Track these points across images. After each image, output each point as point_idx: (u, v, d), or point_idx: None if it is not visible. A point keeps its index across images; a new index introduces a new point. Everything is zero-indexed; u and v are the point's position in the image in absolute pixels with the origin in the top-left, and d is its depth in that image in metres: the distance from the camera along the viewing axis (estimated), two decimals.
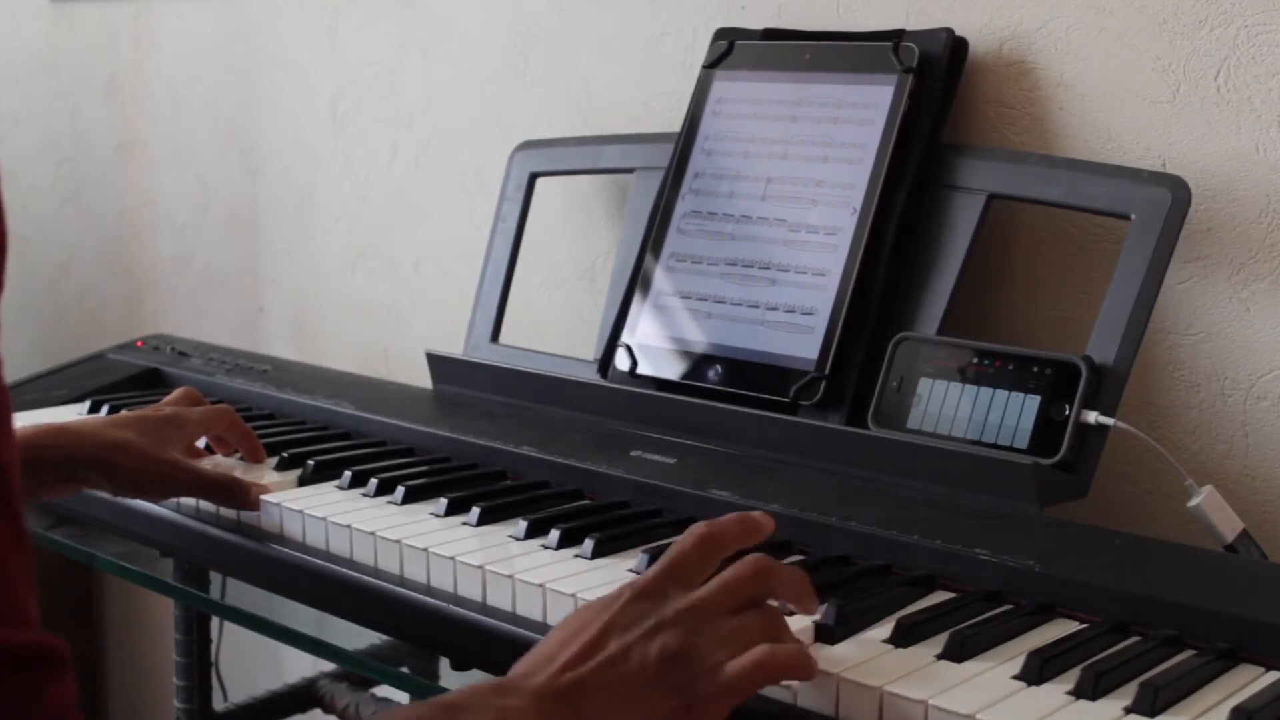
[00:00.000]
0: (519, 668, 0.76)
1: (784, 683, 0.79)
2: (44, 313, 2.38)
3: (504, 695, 0.72)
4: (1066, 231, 1.20)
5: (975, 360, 1.09)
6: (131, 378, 1.57)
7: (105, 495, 1.19)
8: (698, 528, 0.82)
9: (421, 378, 1.43)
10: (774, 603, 0.81)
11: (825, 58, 1.25)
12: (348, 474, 1.16)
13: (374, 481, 1.13)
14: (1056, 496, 1.01)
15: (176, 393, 1.25)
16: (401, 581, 1.01)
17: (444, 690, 1.04)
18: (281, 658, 2.01)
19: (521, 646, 0.90)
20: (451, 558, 0.98)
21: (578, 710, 0.71)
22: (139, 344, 1.69)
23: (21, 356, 2.15)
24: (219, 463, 1.23)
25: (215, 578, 1.36)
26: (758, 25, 1.33)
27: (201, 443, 1.24)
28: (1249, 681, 0.78)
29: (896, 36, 1.21)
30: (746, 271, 1.24)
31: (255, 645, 1.85)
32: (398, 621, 1.02)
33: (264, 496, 1.12)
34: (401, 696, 1.64)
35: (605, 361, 1.32)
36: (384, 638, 1.13)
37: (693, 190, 1.30)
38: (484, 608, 0.96)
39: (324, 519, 1.07)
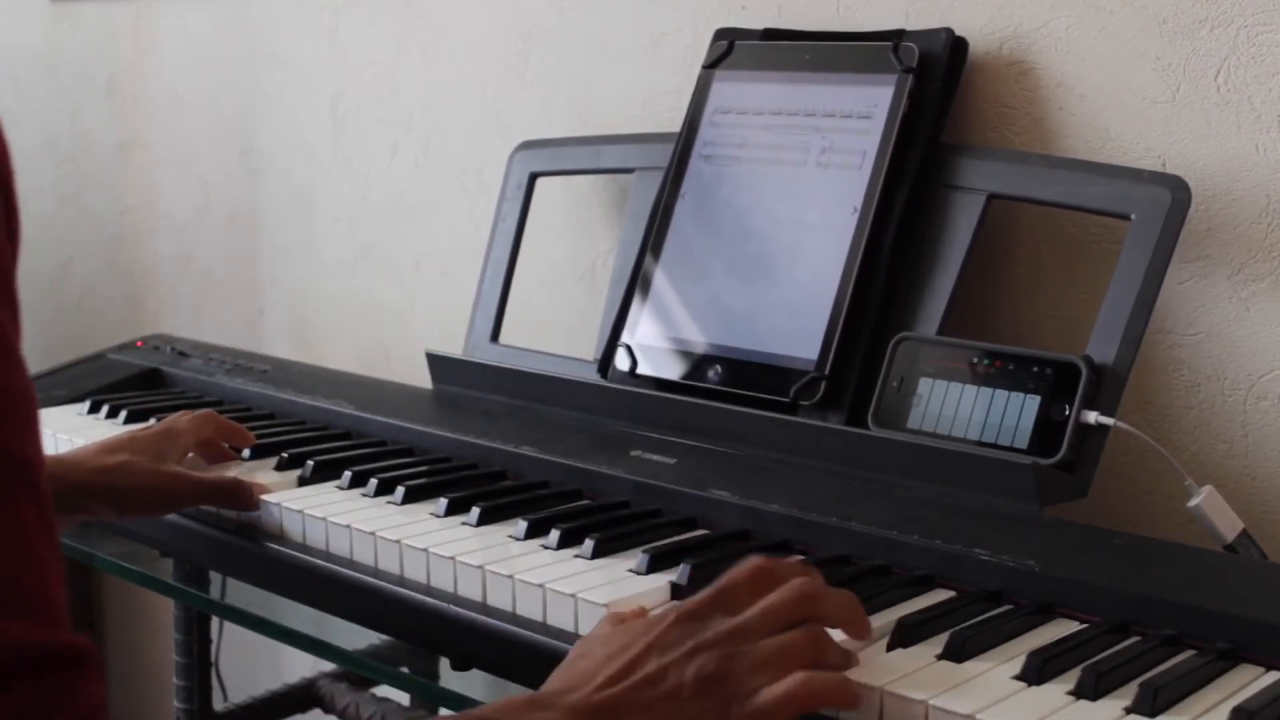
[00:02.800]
0: (554, 682, 0.76)
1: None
2: (44, 313, 2.38)
3: (538, 710, 0.72)
4: (1066, 231, 1.20)
5: (975, 360, 1.09)
6: (131, 378, 1.57)
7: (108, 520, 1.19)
8: (754, 560, 0.80)
9: (421, 378, 1.43)
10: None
11: (825, 58, 1.25)
12: (348, 474, 1.16)
13: (374, 481, 1.13)
14: (1056, 496, 1.01)
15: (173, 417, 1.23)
16: (401, 581, 1.01)
17: (443, 690, 1.05)
18: (281, 658, 2.00)
19: (521, 647, 0.91)
20: (451, 558, 0.98)
21: None
22: (139, 344, 1.69)
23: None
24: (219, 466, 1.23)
25: (215, 578, 1.36)
26: (758, 25, 1.33)
27: None
28: (1249, 681, 0.78)
29: (896, 37, 1.21)
30: (746, 272, 1.24)
31: (255, 645, 1.85)
32: (398, 621, 1.02)
33: (264, 496, 1.12)
34: (402, 697, 1.65)
35: (605, 361, 1.32)
36: (384, 638, 1.13)
37: (692, 190, 1.30)
38: (484, 608, 0.96)
39: (324, 519, 1.07)
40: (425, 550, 1.00)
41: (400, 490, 1.11)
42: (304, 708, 1.76)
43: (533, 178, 1.47)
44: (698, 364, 1.25)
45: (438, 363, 1.40)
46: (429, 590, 0.99)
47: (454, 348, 1.45)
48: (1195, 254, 1.13)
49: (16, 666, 0.53)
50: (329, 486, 1.16)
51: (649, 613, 0.84)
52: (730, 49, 1.31)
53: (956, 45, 1.20)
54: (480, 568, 0.96)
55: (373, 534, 1.03)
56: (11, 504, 0.54)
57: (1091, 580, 0.88)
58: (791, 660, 0.75)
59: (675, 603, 0.78)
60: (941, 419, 1.09)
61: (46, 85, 2.31)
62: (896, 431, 1.10)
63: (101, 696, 0.57)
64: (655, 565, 0.95)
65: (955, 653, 0.81)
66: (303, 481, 1.17)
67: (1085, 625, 0.86)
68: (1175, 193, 1.05)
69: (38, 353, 2.23)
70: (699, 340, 1.25)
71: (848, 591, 0.82)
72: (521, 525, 1.03)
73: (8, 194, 0.56)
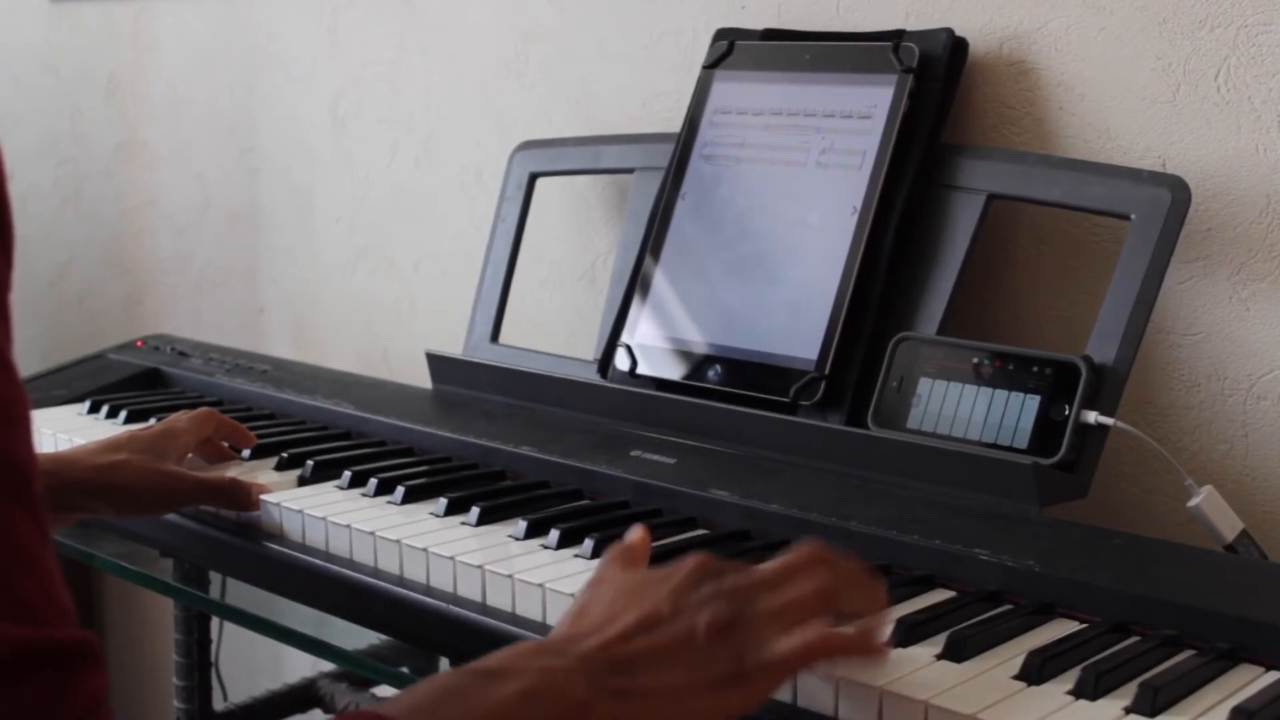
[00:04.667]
0: (564, 629, 0.75)
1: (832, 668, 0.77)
2: (44, 313, 2.38)
3: (548, 656, 0.70)
4: (1066, 231, 1.20)
5: (975, 360, 1.09)
6: (131, 378, 1.57)
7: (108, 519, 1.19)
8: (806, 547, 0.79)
9: (421, 378, 1.43)
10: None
11: (825, 58, 1.25)
12: (347, 474, 1.16)
13: (374, 481, 1.13)
14: (1056, 496, 1.01)
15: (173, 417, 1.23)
16: (401, 581, 1.01)
17: None
18: (281, 658, 2.00)
19: None
20: (451, 558, 0.98)
21: (624, 674, 0.70)
22: (139, 344, 1.69)
23: (22, 356, 2.13)
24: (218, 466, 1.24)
25: (215, 578, 1.36)
26: (758, 25, 1.33)
27: None
28: (1249, 681, 0.78)
29: (896, 37, 1.21)
30: (746, 272, 1.24)
31: (255, 645, 1.85)
32: (397, 621, 1.02)
33: (264, 496, 1.12)
34: None
35: (605, 361, 1.32)
36: (384, 638, 1.13)
37: (693, 190, 1.30)
38: (483, 608, 0.96)
39: (324, 519, 1.07)
40: (425, 550, 1.00)
41: (400, 490, 1.11)
42: (304, 708, 1.76)
43: (533, 178, 1.47)
44: (697, 364, 1.25)
45: (438, 363, 1.40)
46: (429, 590, 0.99)
47: (454, 348, 1.45)
48: (1195, 254, 1.13)
49: (11, 666, 0.53)
50: (329, 486, 1.16)
51: (650, 541, 0.84)
52: (730, 49, 1.31)
53: (956, 45, 1.20)
54: (480, 568, 0.96)
55: (372, 534, 1.03)
56: (3, 507, 0.54)
57: (1091, 580, 0.88)
58: (807, 612, 0.75)
59: (690, 553, 0.78)
60: (941, 419, 1.09)
61: (46, 85, 2.31)
62: (896, 431, 1.10)
63: (101, 690, 0.57)
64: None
65: (955, 653, 0.81)
66: (302, 481, 1.17)
67: (1085, 625, 0.86)
68: (1175, 193, 1.05)
69: (38, 353, 2.24)
70: (699, 340, 1.25)
71: (858, 562, 0.80)
72: (521, 525, 1.03)
73: (1, 209, 0.56)
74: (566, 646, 0.72)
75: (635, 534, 0.84)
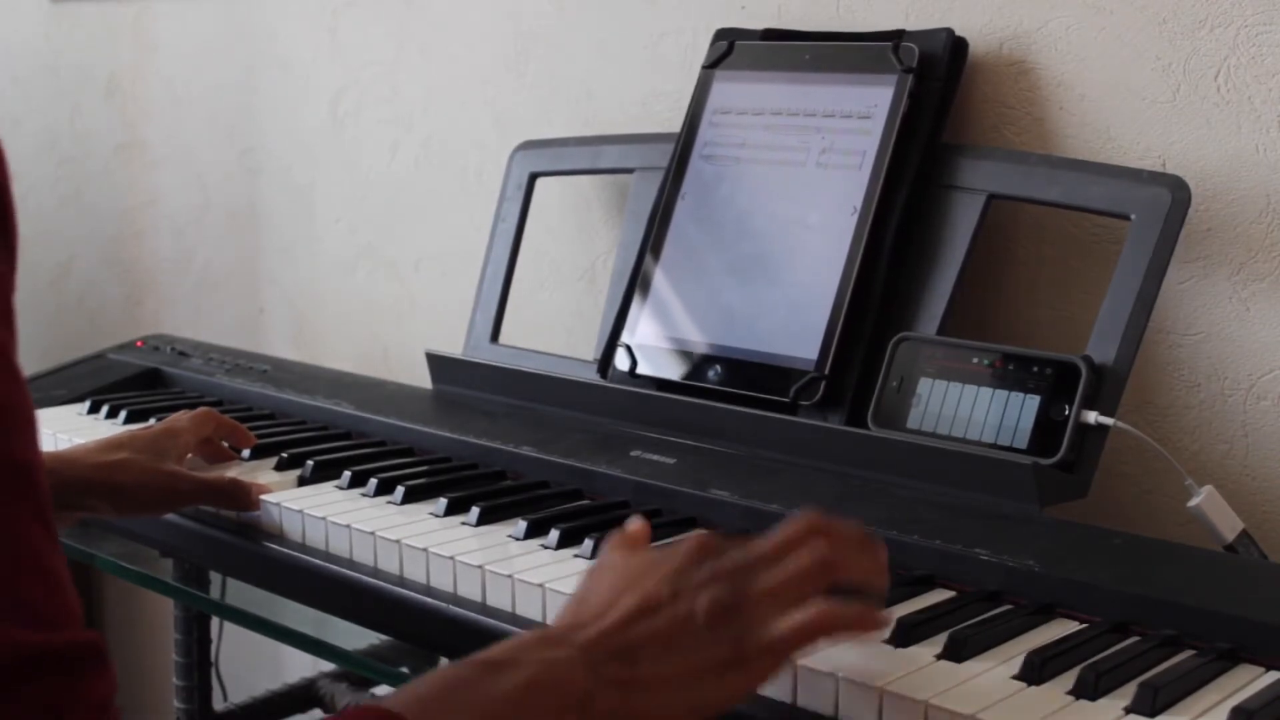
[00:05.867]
0: (566, 617, 0.75)
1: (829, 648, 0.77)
2: (44, 313, 2.38)
3: (550, 647, 0.70)
4: (1066, 231, 1.20)
5: (975, 360, 1.09)
6: (131, 378, 1.57)
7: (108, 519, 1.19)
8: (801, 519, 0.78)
9: (421, 378, 1.43)
10: None
11: (825, 58, 1.25)
12: (347, 474, 1.16)
13: (374, 481, 1.13)
14: (1056, 496, 1.01)
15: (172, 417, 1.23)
16: (401, 581, 1.01)
17: None
18: (281, 658, 2.01)
19: None
20: (451, 558, 0.98)
21: (625, 663, 0.70)
22: (139, 344, 1.69)
23: (22, 356, 2.13)
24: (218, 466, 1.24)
25: (215, 578, 1.36)
26: (758, 25, 1.33)
27: None
28: (1249, 681, 0.78)
29: (896, 37, 1.21)
30: (746, 271, 1.24)
31: (255, 645, 1.85)
32: (397, 621, 1.02)
33: (264, 496, 1.12)
34: None
35: (605, 361, 1.32)
36: (384, 638, 1.12)
37: (693, 190, 1.30)
38: (483, 608, 0.96)
39: (324, 519, 1.07)
40: (425, 550, 1.00)
41: (400, 490, 1.11)
42: (304, 708, 1.76)
43: (533, 178, 1.47)
44: (697, 364, 1.25)
45: (438, 363, 1.40)
46: (429, 590, 0.99)
47: (454, 348, 1.45)
48: (1195, 254, 1.13)
49: (16, 671, 0.53)
50: (329, 486, 1.16)
51: (650, 528, 0.84)
52: (730, 49, 1.31)
53: (956, 45, 1.20)
54: (480, 568, 0.96)
55: (372, 534, 1.03)
56: (11, 510, 0.54)
57: (1091, 580, 0.88)
58: (806, 590, 0.74)
59: (689, 534, 0.77)
60: (941, 419, 1.09)
61: (46, 85, 2.31)
62: (896, 431, 1.10)
63: (109, 692, 0.57)
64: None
65: (955, 653, 0.81)
66: (302, 481, 1.17)
67: (1085, 625, 0.86)
68: (1175, 193, 1.05)
69: (38, 353, 2.24)
70: (699, 340, 1.25)
71: (855, 528, 0.79)
72: (521, 525, 1.03)
73: (6, 213, 0.56)
74: (568, 635, 0.72)
75: (635, 523, 0.84)
